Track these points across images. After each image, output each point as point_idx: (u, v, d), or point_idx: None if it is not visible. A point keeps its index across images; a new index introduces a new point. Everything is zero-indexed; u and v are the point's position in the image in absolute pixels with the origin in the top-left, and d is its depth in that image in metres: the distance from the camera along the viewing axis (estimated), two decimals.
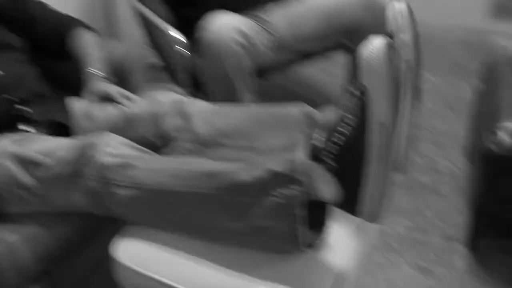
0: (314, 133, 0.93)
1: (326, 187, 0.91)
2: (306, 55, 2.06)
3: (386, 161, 0.88)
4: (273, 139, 1.09)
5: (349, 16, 1.90)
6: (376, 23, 1.91)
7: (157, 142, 1.21)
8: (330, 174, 0.90)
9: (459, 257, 1.63)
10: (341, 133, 0.89)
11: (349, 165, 0.89)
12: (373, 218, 0.94)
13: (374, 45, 0.86)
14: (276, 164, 0.93)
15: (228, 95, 1.76)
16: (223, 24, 1.68)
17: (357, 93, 0.87)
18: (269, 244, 0.97)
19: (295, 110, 1.12)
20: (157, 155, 1.13)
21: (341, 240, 1.03)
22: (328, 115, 1.06)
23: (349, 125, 0.88)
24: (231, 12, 1.77)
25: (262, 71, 1.95)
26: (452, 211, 1.80)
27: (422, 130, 2.18)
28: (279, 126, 1.11)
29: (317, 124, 1.06)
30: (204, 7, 1.82)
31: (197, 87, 1.84)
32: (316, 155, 0.90)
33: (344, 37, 1.97)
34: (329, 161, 0.89)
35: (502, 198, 1.55)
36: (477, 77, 1.91)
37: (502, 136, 1.47)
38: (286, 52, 1.99)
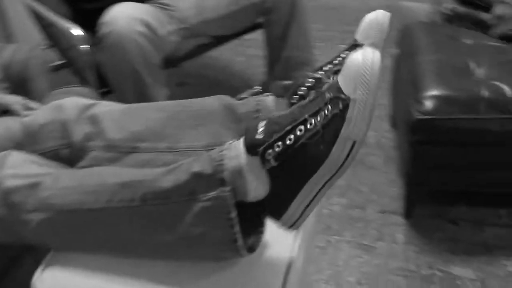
0: (258, 125, 0.84)
1: (258, 187, 0.84)
2: (220, 39, 1.97)
3: (336, 174, 0.80)
4: (194, 138, 1.00)
5: None
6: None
7: (69, 154, 1.09)
8: (267, 172, 0.82)
9: (398, 229, 1.62)
10: (295, 135, 0.79)
11: (293, 168, 0.81)
12: (294, 226, 0.87)
13: (373, 58, 0.74)
14: (200, 165, 0.85)
15: (139, 92, 1.65)
16: (124, 16, 1.56)
17: (338, 102, 0.76)
18: (207, 254, 0.89)
19: (214, 103, 1.03)
20: (69, 170, 1.01)
21: (280, 233, 0.96)
22: (270, 105, 0.97)
23: (310, 130, 0.79)
24: (132, 2, 1.65)
25: (173, 61, 1.84)
26: (385, 183, 1.79)
27: None
28: (199, 123, 1.01)
29: (240, 116, 0.98)
30: None
31: (106, 86, 1.72)
32: (254, 150, 0.82)
33: (259, 16, 1.90)
34: (271, 159, 0.81)
35: (430, 164, 1.55)
36: (393, 45, 1.90)
37: (426, 103, 1.46)
38: (196, 37, 1.90)
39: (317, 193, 0.83)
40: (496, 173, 1.53)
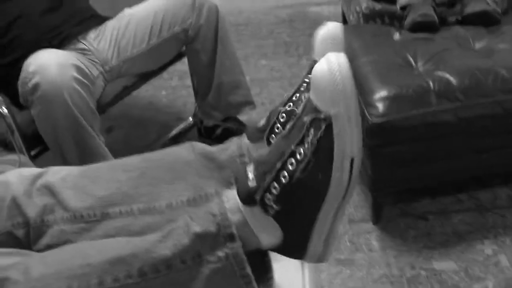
0: (246, 171, 0.76)
1: (269, 235, 0.76)
2: (145, 76, 1.87)
3: (346, 197, 0.73)
4: (174, 194, 0.89)
5: (181, 23, 1.74)
6: (209, 21, 1.79)
7: (25, 233, 0.95)
8: (273, 217, 0.74)
9: (372, 236, 1.59)
10: (288, 171, 0.72)
11: (299, 206, 0.74)
12: (321, 260, 0.81)
13: (339, 61, 0.68)
14: (201, 224, 0.76)
15: (80, 143, 1.51)
16: (54, 63, 1.42)
17: (319, 124, 0.70)
18: None
19: (187, 153, 0.93)
20: (36, 254, 0.88)
21: (285, 270, 0.89)
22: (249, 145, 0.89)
23: (301, 161, 0.72)
24: (50, 49, 1.52)
25: (101, 107, 1.72)
26: None
27: None
28: (175, 176, 0.91)
29: (222, 163, 0.89)
30: (16, 51, 1.55)
31: (35, 147, 1.57)
32: (251, 199, 0.74)
33: (182, 46, 1.82)
34: (272, 204, 0.73)
35: (392, 165, 1.53)
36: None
37: (379, 106, 1.44)
38: (122, 79, 1.79)
39: (333, 222, 0.76)
40: (455, 161, 1.54)
